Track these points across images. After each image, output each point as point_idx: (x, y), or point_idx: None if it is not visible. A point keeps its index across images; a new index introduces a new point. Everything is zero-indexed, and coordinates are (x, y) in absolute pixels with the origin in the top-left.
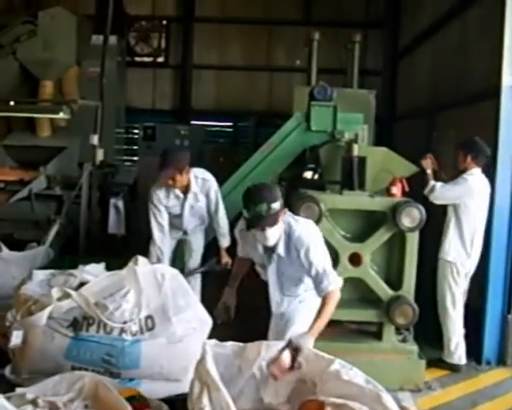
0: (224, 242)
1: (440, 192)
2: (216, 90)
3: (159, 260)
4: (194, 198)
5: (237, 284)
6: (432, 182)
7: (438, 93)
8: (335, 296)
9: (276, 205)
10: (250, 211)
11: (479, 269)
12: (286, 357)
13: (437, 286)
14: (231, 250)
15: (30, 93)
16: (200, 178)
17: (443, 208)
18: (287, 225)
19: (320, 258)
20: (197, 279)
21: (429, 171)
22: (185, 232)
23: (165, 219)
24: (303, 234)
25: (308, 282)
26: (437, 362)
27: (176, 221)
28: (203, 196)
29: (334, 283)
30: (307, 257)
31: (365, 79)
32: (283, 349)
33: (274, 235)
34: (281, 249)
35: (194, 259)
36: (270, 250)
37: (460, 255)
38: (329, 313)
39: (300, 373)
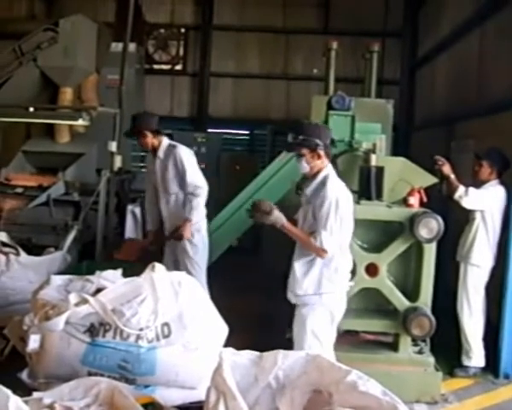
0: (189, 213)
1: (474, 197)
2: (233, 99)
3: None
4: (161, 164)
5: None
6: (462, 186)
7: (456, 103)
8: (313, 248)
9: (303, 138)
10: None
11: (497, 282)
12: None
13: (458, 291)
14: None
15: (50, 100)
16: (170, 146)
17: (467, 215)
18: (325, 177)
19: (328, 219)
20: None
21: (453, 176)
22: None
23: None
24: (330, 191)
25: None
26: (455, 369)
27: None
28: (169, 164)
29: (322, 245)
30: (320, 208)
31: (383, 89)
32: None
33: (304, 166)
34: (309, 191)
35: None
36: (304, 190)
37: (487, 260)
38: (304, 241)
39: (316, 383)
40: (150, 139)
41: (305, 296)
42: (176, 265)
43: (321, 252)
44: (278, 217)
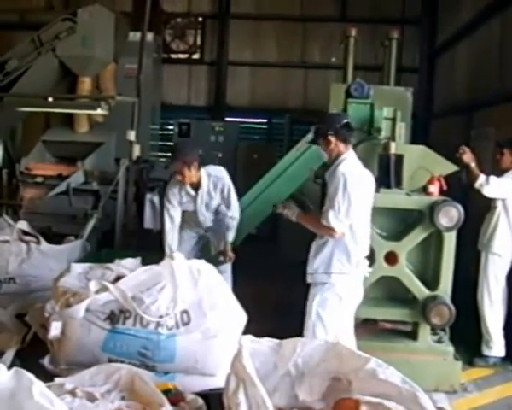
0: (230, 235)
1: (496, 185)
2: (251, 87)
3: (170, 250)
4: (206, 195)
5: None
6: (483, 175)
7: (476, 91)
8: (322, 230)
9: (322, 128)
10: None
11: None
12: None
13: (478, 280)
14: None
15: (68, 89)
16: (213, 176)
17: (487, 204)
18: (341, 160)
19: (336, 197)
20: (228, 278)
21: (473, 164)
22: (206, 230)
23: (177, 213)
24: (340, 171)
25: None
26: (475, 358)
27: (193, 216)
28: (216, 194)
29: (330, 223)
30: (330, 188)
31: (402, 77)
32: None
33: (324, 154)
34: (327, 175)
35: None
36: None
37: (508, 249)
38: (314, 224)
39: (336, 371)
40: (195, 172)
41: (315, 275)
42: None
43: (330, 231)
44: (290, 213)
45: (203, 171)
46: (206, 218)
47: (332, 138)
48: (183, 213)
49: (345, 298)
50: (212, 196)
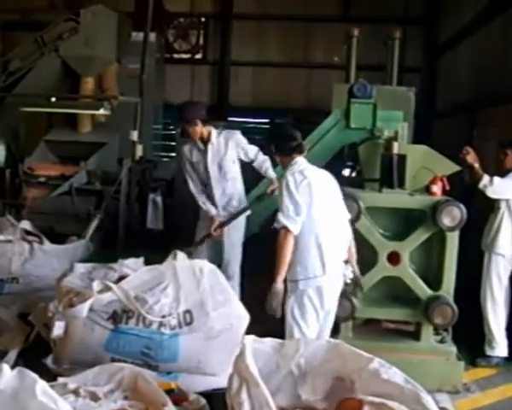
0: (272, 172)
1: (499, 186)
2: (253, 87)
3: (208, 206)
4: (217, 153)
5: None
6: (487, 176)
7: (479, 90)
8: (280, 238)
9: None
10: None
11: None
12: None
13: (482, 280)
14: None
15: (71, 89)
16: (225, 132)
17: (491, 204)
18: (286, 170)
19: (282, 201)
20: (236, 276)
21: (477, 165)
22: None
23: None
24: (285, 177)
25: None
26: (478, 358)
27: (208, 191)
28: (228, 149)
29: (281, 223)
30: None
31: (404, 76)
32: None
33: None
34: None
35: (233, 254)
36: None
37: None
38: (279, 255)
39: (339, 371)
40: (200, 128)
41: (288, 282)
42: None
43: (285, 233)
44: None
45: (213, 128)
46: (217, 190)
47: (277, 157)
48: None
49: (316, 302)
50: (224, 153)
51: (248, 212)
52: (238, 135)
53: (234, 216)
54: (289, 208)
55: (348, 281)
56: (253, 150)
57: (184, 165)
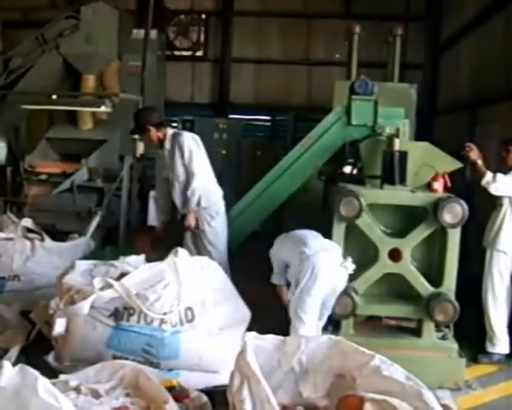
0: (190, 203)
1: (502, 183)
2: (254, 84)
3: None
4: (168, 153)
5: None
6: (490, 173)
7: (481, 87)
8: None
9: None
10: None
11: None
12: None
13: (483, 277)
14: None
15: (72, 87)
16: (175, 133)
17: (493, 201)
18: None
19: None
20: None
21: (480, 161)
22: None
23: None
24: None
25: None
26: (479, 355)
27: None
28: (175, 153)
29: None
30: None
31: (406, 73)
32: None
33: None
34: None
35: (215, 247)
36: None
37: None
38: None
39: (340, 368)
40: (154, 133)
41: None
42: (197, 247)
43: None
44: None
45: (170, 131)
46: (176, 190)
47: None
48: None
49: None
50: (173, 157)
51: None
52: (182, 139)
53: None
54: None
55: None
56: (193, 167)
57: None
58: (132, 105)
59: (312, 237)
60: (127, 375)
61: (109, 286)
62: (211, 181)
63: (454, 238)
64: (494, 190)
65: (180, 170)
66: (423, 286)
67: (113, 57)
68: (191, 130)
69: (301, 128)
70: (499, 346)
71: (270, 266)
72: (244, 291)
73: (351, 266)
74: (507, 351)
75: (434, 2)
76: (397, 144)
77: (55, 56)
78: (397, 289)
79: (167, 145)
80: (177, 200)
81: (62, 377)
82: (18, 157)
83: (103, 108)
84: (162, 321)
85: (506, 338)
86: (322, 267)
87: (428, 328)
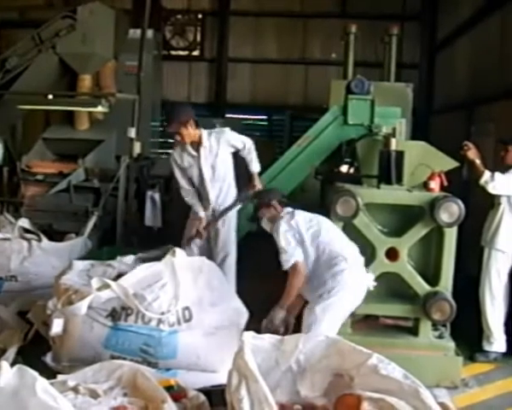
0: (254, 166)
1: (500, 182)
2: (251, 84)
3: (197, 207)
4: (210, 154)
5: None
6: (488, 172)
7: (477, 86)
8: (294, 272)
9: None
10: None
11: None
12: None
13: (481, 275)
14: None
15: (69, 87)
16: (214, 132)
17: (491, 200)
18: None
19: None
20: (232, 272)
21: (478, 160)
22: (213, 213)
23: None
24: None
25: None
26: (476, 354)
27: (201, 192)
28: (221, 148)
29: (289, 261)
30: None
31: (402, 73)
32: None
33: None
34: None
35: (227, 250)
36: None
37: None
38: (291, 286)
39: (337, 367)
40: (193, 131)
41: None
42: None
43: (294, 271)
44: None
45: (203, 130)
46: (213, 190)
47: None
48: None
49: None
50: (216, 154)
51: (237, 207)
52: (227, 133)
53: (222, 213)
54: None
55: None
56: (241, 142)
57: (174, 170)
58: (129, 105)
59: (346, 243)
60: (125, 375)
61: (107, 286)
62: None
63: (451, 237)
64: (492, 189)
65: (227, 166)
66: (420, 285)
67: (109, 57)
68: None
69: (298, 127)
70: (496, 344)
71: (267, 265)
72: (241, 290)
73: (372, 283)
74: (503, 350)
75: (430, 1)
76: (393, 144)
77: (51, 56)
78: (394, 288)
79: (206, 144)
80: (219, 200)
81: (60, 377)
82: (14, 157)
83: (100, 108)
84: (160, 321)
85: (503, 337)
86: (355, 292)
87: (425, 327)
